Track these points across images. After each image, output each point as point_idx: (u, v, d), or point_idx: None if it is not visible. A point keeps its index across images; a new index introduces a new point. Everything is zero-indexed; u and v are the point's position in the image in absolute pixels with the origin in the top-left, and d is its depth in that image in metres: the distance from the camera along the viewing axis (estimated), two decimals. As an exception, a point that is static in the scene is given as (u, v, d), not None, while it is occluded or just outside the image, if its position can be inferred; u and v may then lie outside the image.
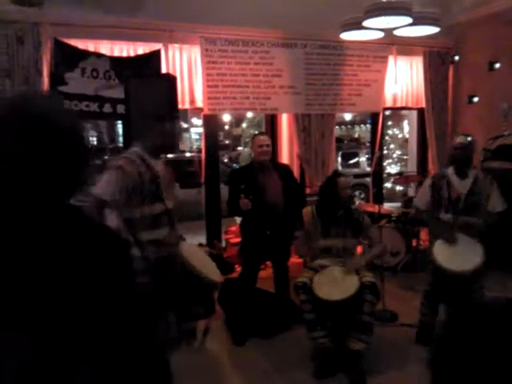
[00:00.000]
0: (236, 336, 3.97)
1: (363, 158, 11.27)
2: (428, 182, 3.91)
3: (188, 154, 12.63)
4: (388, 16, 3.54)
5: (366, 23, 3.68)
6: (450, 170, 3.78)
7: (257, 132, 5.03)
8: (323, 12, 5.12)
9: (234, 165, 11.06)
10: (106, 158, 12.06)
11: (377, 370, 3.39)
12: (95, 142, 17.62)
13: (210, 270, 2.72)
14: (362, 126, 19.20)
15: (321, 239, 3.70)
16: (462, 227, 3.61)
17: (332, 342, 3.43)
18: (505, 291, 4.49)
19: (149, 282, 2.51)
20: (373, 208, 5.61)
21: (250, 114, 11.06)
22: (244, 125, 10.83)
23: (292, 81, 5.75)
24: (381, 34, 4.07)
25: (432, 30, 3.89)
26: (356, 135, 18.83)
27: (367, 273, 3.53)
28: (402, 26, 3.71)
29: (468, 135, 3.81)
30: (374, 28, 3.80)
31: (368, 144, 14.17)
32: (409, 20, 3.57)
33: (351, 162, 11.30)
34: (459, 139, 3.74)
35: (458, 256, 3.44)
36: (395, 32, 3.95)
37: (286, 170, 4.33)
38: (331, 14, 4.96)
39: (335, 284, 3.41)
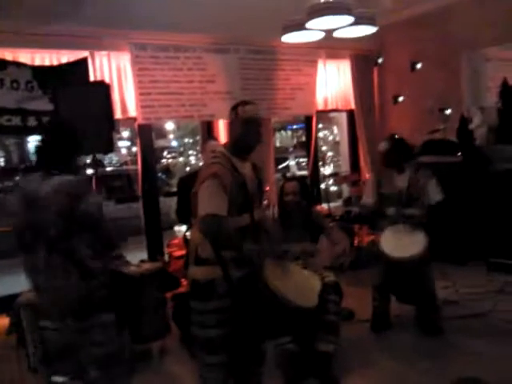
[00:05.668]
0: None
1: (292, 162, 11.54)
2: (371, 180, 4.04)
3: (110, 169, 12.04)
4: (330, 16, 3.57)
5: (308, 24, 3.68)
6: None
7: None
8: (255, 17, 5.08)
9: (163, 176, 10.76)
10: (17, 179, 11.10)
11: (345, 369, 3.36)
12: (2, 163, 16.15)
13: (300, 293, 2.38)
14: (282, 132, 19.38)
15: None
16: (406, 219, 3.76)
17: (298, 347, 3.35)
18: (446, 280, 4.70)
19: (231, 304, 2.25)
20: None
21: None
22: (171, 136, 10.46)
23: (227, 86, 5.67)
24: (321, 35, 4.10)
25: (369, 29, 3.98)
26: (277, 142, 19.02)
27: (328, 272, 3.51)
28: (342, 26, 3.76)
29: (394, 135, 3.99)
30: (315, 29, 3.81)
31: (291, 149, 14.50)
32: (350, 19, 3.62)
33: (282, 166, 11.52)
34: (383, 145, 3.89)
35: (402, 244, 3.60)
36: (335, 33, 4.00)
37: None
38: (263, 19, 4.95)
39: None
